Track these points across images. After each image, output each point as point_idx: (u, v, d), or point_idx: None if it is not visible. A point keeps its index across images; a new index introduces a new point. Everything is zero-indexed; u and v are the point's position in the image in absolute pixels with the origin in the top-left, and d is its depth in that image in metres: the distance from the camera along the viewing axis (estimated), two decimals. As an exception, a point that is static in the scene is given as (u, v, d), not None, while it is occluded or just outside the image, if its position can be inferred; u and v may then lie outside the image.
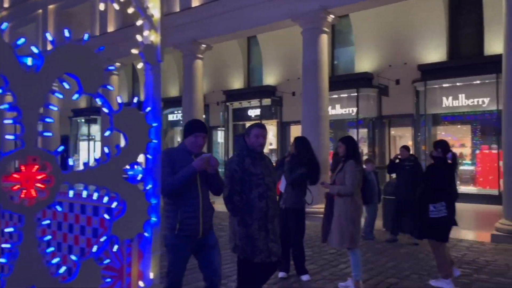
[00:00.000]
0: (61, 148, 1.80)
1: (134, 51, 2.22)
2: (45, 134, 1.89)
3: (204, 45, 11.72)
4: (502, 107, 7.35)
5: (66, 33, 1.75)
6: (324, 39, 9.58)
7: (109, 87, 1.90)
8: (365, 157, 12.83)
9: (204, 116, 17.72)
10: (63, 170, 1.71)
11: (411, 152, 13.30)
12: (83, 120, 22.88)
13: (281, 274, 4.97)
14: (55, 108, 2.08)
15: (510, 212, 6.99)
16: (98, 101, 1.87)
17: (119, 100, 1.97)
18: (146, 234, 2.03)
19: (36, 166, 1.58)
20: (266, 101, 16.06)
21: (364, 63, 14.12)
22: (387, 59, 13.57)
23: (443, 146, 4.87)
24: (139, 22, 2.17)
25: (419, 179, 6.79)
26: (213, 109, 17.86)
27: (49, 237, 1.82)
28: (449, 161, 4.86)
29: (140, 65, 2.17)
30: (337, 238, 4.33)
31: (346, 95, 14.28)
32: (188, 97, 11.74)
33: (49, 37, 1.86)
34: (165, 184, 2.81)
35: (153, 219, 2.06)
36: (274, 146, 16.63)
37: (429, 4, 12.47)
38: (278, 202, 4.59)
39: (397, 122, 14.11)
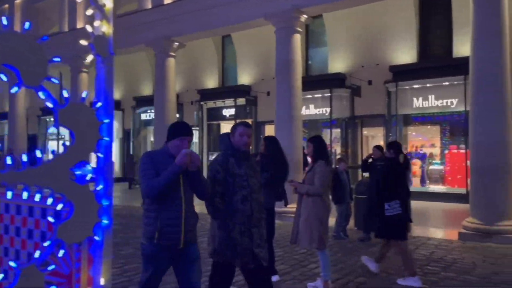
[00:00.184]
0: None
1: (83, 42, 2.08)
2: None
3: (176, 43, 11.53)
4: (469, 108, 7.50)
5: (4, 21, 1.60)
6: (297, 38, 9.57)
7: (53, 80, 1.76)
8: (338, 157, 12.97)
9: (177, 115, 17.51)
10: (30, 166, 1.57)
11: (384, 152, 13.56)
12: (52, 119, 22.14)
13: (274, 278, 4.87)
14: None
15: (476, 211, 7.14)
16: (41, 95, 1.73)
17: (65, 95, 1.83)
18: (96, 237, 1.91)
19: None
20: (241, 101, 15.98)
21: (337, 64, 14.23)
22: (360, 60, 13.72)
23: (395, 147, 5.13)
24: (89, 12, 2.03)
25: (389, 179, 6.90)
26: (187, 108, 17.63)
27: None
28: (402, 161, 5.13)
29: (90, 58, 2.03)
30: (306, 238, 4.28)
31: (320, 95, 14.37)
32: (161, 96, 11.51)
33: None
34: (150, 187, 2.72)
35: (105, 221, 1.93)
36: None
37: (400, 6, 12.67)
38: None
39: (369, 122, 14.29)
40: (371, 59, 13.45)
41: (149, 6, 12.07)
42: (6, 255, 2.30)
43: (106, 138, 1.98)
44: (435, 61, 12.27)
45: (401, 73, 12.55)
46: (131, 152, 19.07)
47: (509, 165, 6.97)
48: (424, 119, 13.24)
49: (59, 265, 1.92)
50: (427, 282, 4.82)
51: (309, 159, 5.07)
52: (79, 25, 14.10)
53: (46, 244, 1.75)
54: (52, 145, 22.04)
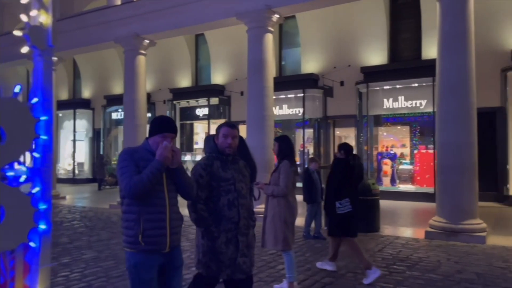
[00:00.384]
0: None
1: (17, 32, 1.91)
2: None
3: (147, 41, 11.28)
4: (436, 109, 7.63)
5: None
6: (269, 38, 9.52)
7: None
8: (310, 157, 13.02)
9: (149, 114, 17.20)
10: None
11: (355, 151, 13.71)
12: None
13: None
14: None
15: (442, 210, 7.27)
16: (-34, 90, 1.58)
17: (-5, 89, 1.69)
18: (32, 244, 1.77)
19: None
20: (214, 100, 15.85)
21: (310, 64, 14.31)
22: (332, 61, 13.84)
23: (346, 148, 5.32)
24: (24, 0, 1.88)
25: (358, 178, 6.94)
26: (159, 107, 17.35)
27: None
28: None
29: (25, 49, 1.87)
30: (271, 239, 4.22)
31: (293, 95, 14.42)
32: (130, 95, 11.24)
33: None
34: (131, 185, 2.46)
35: (42, 226, 1.80)
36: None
37: (372, 9, 12.85)
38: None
39: (341, 123, 14.43)
40: (343, 60, 13.58)
41: (119, 2, 11.78)
42: None
43: (44, 137, 1.84)
44: (405, 63, 12.50)
45: (372, 74, 12.72)
46: (101, 152, 18.58)
47: (473, 165, 7.13)
48: (396, 120, 13.47)
49: (-8, 274, 1.77)
50: (392, 281, 4.85)
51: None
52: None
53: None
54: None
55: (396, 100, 12.65)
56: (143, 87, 11.45)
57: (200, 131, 17.73)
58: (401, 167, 13.22)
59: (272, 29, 9.58)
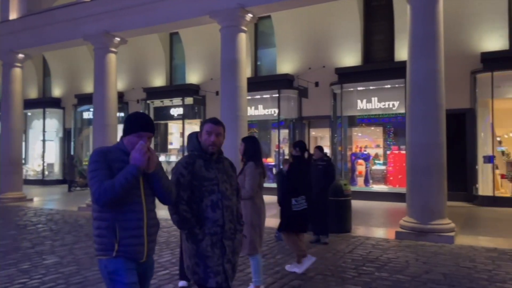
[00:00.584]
0: None
1: None
2: None
3: (118, 38, 10.99)
4: (406, 110, 7.69)
5: None
6: (243, 38, 9.42)
7: None
8: (284, 158, 12.99)
9: (122, 114, 16.83)
10: None
11: (329, 152, 13.77)
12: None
13: (181, 283, 4.66)
14: None
15: (412, 210, 7.34)
16: None
17: None
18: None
19: None
20: (189, 100, 15.64)
21: (286, 65, 14.29)
22: (307, 61, 13.86)
23: (300, 146, 5.44)
24: None
25: (330, 179, 6.94)
26: (132, 107, 16.99)
27: None
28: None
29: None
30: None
31: (268, 96, 14.37)
32: (100, 94, 10.92)
33: None
34: (102, 190, 2.20)
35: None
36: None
37: (346, 10, 12.92)
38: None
39: (316, 123, 14.47)
40: (318, 61, 13.62)
41: (89, -2, 11.44)
42: None
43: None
44: (378, 65, 12.62)
45: (346, 75, 12.79)
46: (71, 153, 18.06)
47: (442, 166, 7.22)
48: (371, 120, 13.58)
49: None
50: (360, 283, 4.82)
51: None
52: (12, 16, 13.11)
53: None
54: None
55: (370, 101, 12.77)
56: (114, 86, 11.15)
57: (175, 131, 17.47)
58: (374, 167, 13.35)
59: (245, 29, 9.48)
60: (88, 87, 18.07)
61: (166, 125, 17.51)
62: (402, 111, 12.06)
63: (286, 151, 14.62)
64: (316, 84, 13.62)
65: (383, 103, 12.59)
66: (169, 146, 17.33)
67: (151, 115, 16.73)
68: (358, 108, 12.96)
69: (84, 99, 17.59)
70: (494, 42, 11.36)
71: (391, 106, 12.48)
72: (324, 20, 13.27)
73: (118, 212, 2.29)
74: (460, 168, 11.43)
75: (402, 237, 7.15)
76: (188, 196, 2.68)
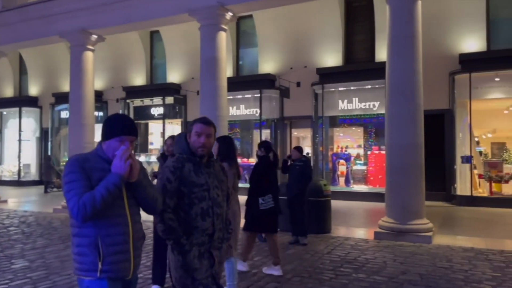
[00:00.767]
0: None
1: None
2: None
3: (95, 36, 10.73)
4: (385, 111, 7.70)
5: None
6: (223, 36, 9.29)
7: None
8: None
9: (101, 113, 16.52)
10: None
11: (310, 152, 13.77)
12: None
13: None
14: None
15: (391, 210, 7.34)
16: None
17: None
18: None
19: None
20: (170, 100, 15.43)
21: (267, 65, 14.23)
22: (289, 61, 13.82)
23: (266, 146, 5.48)
24: None
25: (306, 179, 6.88)
26: (112, 106, 16.68)
27: None
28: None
29: None
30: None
31: (250, 95, 14.28)
32: (76, 92, 10.64)
33: None
34: (81, 205, 1.96)
35: None
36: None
37: (327, 10, 12.94)
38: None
39: (298, 124, 14.44)
40: (300, 61, 13.60)
41: (64, -6, 11.14)
42: None
43: None
44: (359, 65, 12.67)
45: (327, 75, 12.81)
46: (49, 153, 17.61)
47: (420, 166, 7.24)
48: (352, 121, 13.62)
49: None
50: (338, 284, 4.77)
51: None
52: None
53: None
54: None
55: (351, 102, 12.81)
56: (91, 85, 10.88)
57: (155, 131, 17.22)
58: (355, 167, 13.39)
59: (225, 27, 9.36)
60: (66, 86, 17.60)
61: (146, 125, 17.25)
62: (383, 111, 12.08)
63: (268, 151, 14.53)
64: (298, 84, 13.60)
65: (363, 104, 12.65)
66: (150, 146, 17.08)
67: (131, 115, 16.45)
68: (339, 108, 12.99)
69: (62, 98, 17.15)
70: (472, 43, 11.52)
71: (371, 106, 12.54)
72: (306, 20, 13.26)
73: (101, 227, 2.06)
74: (438, 168, 11.55)
75: (381, 237, 7.14)
76: (175, 203, 2.48)
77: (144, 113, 16.36)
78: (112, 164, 2.07)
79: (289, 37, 13.72)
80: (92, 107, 10.91)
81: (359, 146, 13.84)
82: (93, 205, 1.97)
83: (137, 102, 16.28)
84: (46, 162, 16.07)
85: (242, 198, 4.74)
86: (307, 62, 13.48)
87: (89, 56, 10.79)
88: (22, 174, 18.52)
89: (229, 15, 9.26)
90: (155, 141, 17.25)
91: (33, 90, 18.99)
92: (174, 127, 16.24)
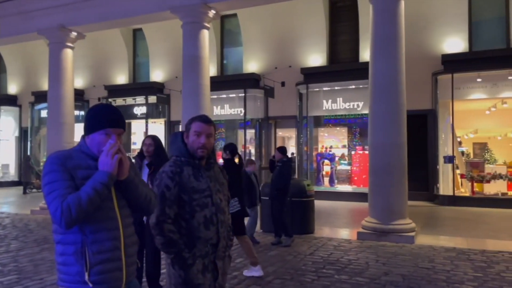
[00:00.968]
0: None
1: None
2: None
3: (74, 33, 10.47)
4: (368, 111, 7.67)
5: None
6: (205, 34, 9.15)
7: None
8: (247, 158, 12.80)
9: (82, 112, 16.17)
10: None
11: (294, 152, 13.72)
12: None
13: None
14: None
15: (374, 210, 7.31)
16: None
17: None
18: None
19: None
20: (153, 99, 15.19)
21: (252, 64, 14.13)
22: (274, 61, 13.75)
23: (231, 149, 5.51)
24: None
25: (283, 179, 6.81)
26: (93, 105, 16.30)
27: None
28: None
29: None
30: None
31: (234, 95, 14.16)
32: (55, 91, 10.37)
33: None
34: (65, 208, 1.70)
35: None
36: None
37: (312, 10, 12.91)
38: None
39: (282, 123, 14.39)
40: (284, 60, 13.54)
41: (43, -10, 10.84)
42: None
43: None
44: (343, 65, 12.67)
45: (312, 75, 12.78)
46: (28, 153, 17.18)
47: (403, 166, 7.22)
48: (337, 121, 13.61)
49: None
50: (319, 286, 4.69)
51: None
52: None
53: None
54: None
55: (335, 102, 12.79)
56: (70, 83, 10.62)
57: (138, 131, 16.95)
58: (339, 167, 13.39)
59: (208, 25, 9.23)
60: (46, 84, 17.07)
61: (129, 125, 16.92)
62: (367, 111, 12.05)
63: (253, 151, 14.45)
64: (283, 84, 13.53)
65: (348, 104, 12.65)
66: (132, 146, 16.80)
67: (114, 114, 16.13)
68: (324, 108, 12.97)
69: (42, 97, 16.72)
70: (454, 44, 11.62)
71: (355, 106, 12.55)
72: (291, 20, 13.20)
73: (87, 232, 1.81)
74: (421, 168, 11.62)
75: (364, 238, 7.10)
76: (175, 213, 2.23)
77: (126, 112, 16.05)
78: (99, 161, 1.83)
79: (274, 36, 13.65)
80: (71, 105, 10.64)
81: (344, 146, 13.85)
82: (79, 208, 1.72)
83: (120, 101, 15.99)
84: (25, 162, 15.67)
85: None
86: (292, 61, 13.43)
87: (68, 53, 10.53)
88: (0, 174, 18.03)
89: (212, 13, 9.13)
90: (138, 141, 16.98)
91: (12, 88, 18.51)
92: (158, 127, 16.01)
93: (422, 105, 11.74)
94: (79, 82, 16.70)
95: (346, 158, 13.46)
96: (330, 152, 13.73)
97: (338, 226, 8.52)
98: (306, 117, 13.15)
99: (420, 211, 10.09)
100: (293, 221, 7.32)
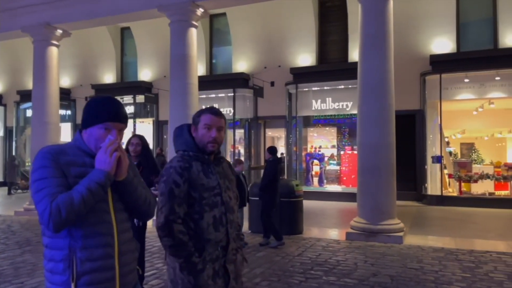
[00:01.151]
0: None
1: None
2: None
3: (60, 30, 10.27)
4: (357, 110, 7.64)
5: None
6: (193, 33, 9.04)
7: None
8: (235, 158, 12.71)
9: (69, 112, 15.92)
10: None
11: (284, 152, 13.66)
12: None
13: None
14: None
15: (362, 210, 7.28)
16: None
17: None
18: None
19: None
20: (141, 98, 15.01)
21: (241, 64, 14.05)
22: (263, 61, 13.68)
23: None
24: None
25: (265, 178, 6.76)
26: (80, 104, 16.10)
27: None
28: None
29: None
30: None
31: (223, 94, 14.05)
32: (40, 89, 10.16)
33: None
34: (54, 209, 1.54)
35: None
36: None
37: (301, 10, 12.87)
38: None
39: (272, 123, 14.33)
40: (274, 60, 13.47)
41: (27, -13, 10.61)
42: None
43: None
44: (332, 65, 12.66)
45: (301, 75, 12.74)
46: (13, 153, 16.86)
47: (391, 166, 7.20)
48: (326, 121, 13.59)
49: None
50: (307, 288, 4.62)
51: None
52: None
53: None
54: None
55: (324, 102, 12.77)
56: (55, 81, 10.41)
57: (126, 130, 16.67)
58: (328, 167, 13.37)
59: (196, 24, 9.12)
60: (31, 83, 16.94)
61: (117, 124, 16.73)
62: (355, 111, 12.01)
63: (242, 151, 14.37)
64: (272, 83, 13.47)
65: (337, 104, 12.64)
66: (120, 146, 16.57)
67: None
68: (313, 108, 12.94)
69: (27, 96, 16.35)
70: (442, 45, 11.68)
71: (344, 106, 12.54)
72: (280, 20, 13.15)
73: (77, 237, 1.63)
74: (410, 168, 11.65)
75: (352, 238, 7.07)
76: (185, 212, 2.05)
77: (114, 112, 15.85)
78: (96, 158, 1.67)
79: (263, 36, 13.58)
80: (56, 105, 10.44)
81: (333, 146, 13.84)
82: (70, 209, 1.55)
83: (107, 101, 15.75)
84: (10, 162, 15.36)
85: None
86: (281, 61, 13.38)
87: (53, 51, 10.33)
88: (-16, 175, 17.66)
89: (200, 11, 9.03)
90: (126, 141, 16.75)
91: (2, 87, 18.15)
92: (146, 127, 15.82)
93: (410, 105, 11.78)
94: (66, 81, 16.45)
95: (335, 158, 13.45)
96: (319, 152, 13.71)
97: (327, 227, 8.48)
98: (295, 117, 13.10)
99: (408, 211, 10.11)
100: (282, 221, 7.26)
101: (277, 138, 16.94)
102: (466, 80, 11.34)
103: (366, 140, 7.27)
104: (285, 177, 12.48)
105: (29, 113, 17.06)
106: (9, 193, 14.71)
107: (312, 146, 13.99)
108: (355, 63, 10.99)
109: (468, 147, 16.29)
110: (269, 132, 15.16)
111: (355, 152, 12.51)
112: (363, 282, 4.83)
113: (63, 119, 16.17)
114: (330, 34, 13.18)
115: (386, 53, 7.25)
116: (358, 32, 7.66)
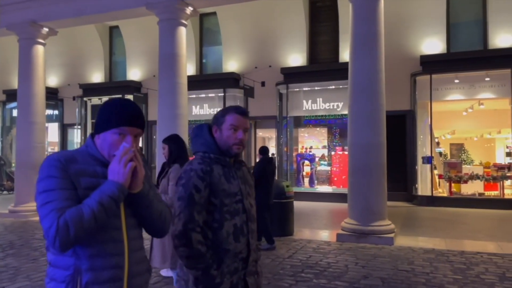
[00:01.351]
0: None
1: None
2: None
3: (46, 29, 10.06)
4: (348, 110, 7.59)
5: None
6: (182, 32, 8.91)
7: None
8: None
9: (57, 112, 15.66)
10: None
11: (274, 153, 13.58)
12: None
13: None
14: None
15: (353, 211, 7.22)
16: None
17: None
18: None
19: None
20: (129, 98, 14.77)
21: (232, 64, 13.94)
22: (253, 60, 13.59)
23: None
24: None
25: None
26: (68, 104, 15.87)
27: None
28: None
29: None
30: (158, 257, 3.66)
31: (214, 94, 13.94)
32: (25, 88, 9.94)
33: None
34: (62, 226, 1.37)
35: None
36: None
37: (292, 10, 12.81)
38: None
39: (262, 124, 14.24)
40: (264, 60, 13.39)
41: (13, -17, 10.38)
42: None
43: None
44: (323, 65, 12.61)
45: (292, 75, 12.67)
46: (-1, 153, 16.55)
47: (382, 166, 7.15)
48: (317, 121, 13.53)
49: None
50: (297, 292, 4.53)
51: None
52: None
53: None
54: None
55: (315, 102, 12.72)
56: (41, 80, 10.19)
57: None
58: (319, 168, 13.33)
59: (185, 22, 8.99)
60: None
61: (105, 124, 16.51)
62: (346, 112, 12.06)
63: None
64: (263, 83, 13.38)
65: (327, 104, 12.60)
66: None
67: (88, 114, 15.71)
68: (304, 108, 12.88)
69: (14, 95, 15.98)
70: (433, 45, 11.70)
71: (335, 107, 12.51)
72: (271, 19, 13.07)
73: (83, 256, 1.47)
74: (400, 168, 11.65)
75: (343, 239, 7.00)
76: (204, 220, 1.88)
77: (102, 112, 15.64)
78: (109, 168, 1.51)
79: (254, 36, 13.49)
80: (42, 104, 10.22)
81: (324, 147, 13.80)
82: (79, 226, 1.38)
83: (95, 100, 15.53)
84: (-5, 163, 15.06)
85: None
86: (272, 61, 13.30)
87: (39, 50, 10.11)
88: (-31, 176, 17.28)
89: (189, 9, 8.91)
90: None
91: (-18, 86, 17.78)
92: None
93: (400, 106, 11.78)
94: (53, 81, 16.19)
95: (326, 158, 13.41)
96: (310, 153, 13.66)
97: (318, 228, 8.41)
98: (286, 118, 13.04)
99: (399, 211, 10.09)
100: (272, 223, 7.16)
101: (268, 138, 16.87)
102: (456, 81, 11.37)
103: (357, 140, 7.21)
104: (276, 177, 12.41)
105: (15, 112, 16.73)
106: (-5, 194, 14.41)
107: (303, 147, 13.94)
108: (346, 63, 10.97)
109: (458, 148, 16.38)
110: (260, 133, 15.07)
111: (346, 152, 12.48)
112: (354, 284, 4.76)
113: (50, 119, 15.91)
114: (321, 34, 13.14)
115: (377, 53, 7.20)
116: (349, 32, 7.61)
